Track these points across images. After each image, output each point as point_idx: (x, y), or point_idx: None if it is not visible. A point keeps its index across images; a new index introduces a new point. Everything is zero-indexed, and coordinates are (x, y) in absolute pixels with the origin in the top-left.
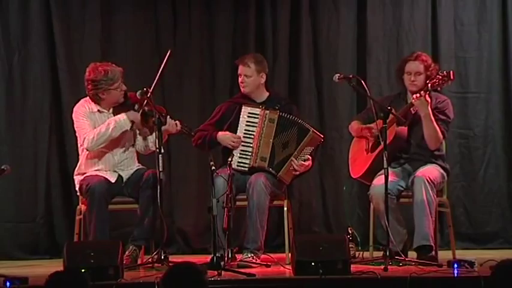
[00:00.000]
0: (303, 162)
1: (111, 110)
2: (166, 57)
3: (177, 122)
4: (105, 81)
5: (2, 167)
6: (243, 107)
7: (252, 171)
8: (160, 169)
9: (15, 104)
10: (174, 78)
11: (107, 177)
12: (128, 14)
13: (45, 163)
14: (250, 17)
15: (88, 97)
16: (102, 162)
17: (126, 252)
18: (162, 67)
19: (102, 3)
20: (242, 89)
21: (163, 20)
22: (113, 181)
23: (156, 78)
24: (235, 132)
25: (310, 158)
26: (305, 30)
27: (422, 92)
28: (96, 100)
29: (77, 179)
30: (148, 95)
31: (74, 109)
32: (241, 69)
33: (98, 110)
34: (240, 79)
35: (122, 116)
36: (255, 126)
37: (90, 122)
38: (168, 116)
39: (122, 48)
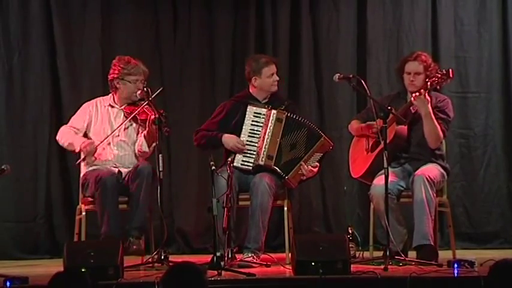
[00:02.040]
0: (311, 168)
1: (123, 107)
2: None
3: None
4: (122, 69)
5: (2, 167)
6: (249, 107)
7: (257, 170)
8: (161, 169)
9: (15, 104)
10: (174, 78)
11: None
12: (128, 14)
13: (45, 163)
14: (250, 16)
15: (103, 97)
16: (103, 157)
17: (129, 245)
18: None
19: (102, 3)
20: (275, 88)
21: (163, 20)
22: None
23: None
24: (241, 131)
25: (318, 164)
26: (305, 30)
27: (421, 90)
28: (113, 90)
29: (83, 171)
30: (150, 98)
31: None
32: (275, 68)
33: (110, 105)
34: (276, 78)
35: (78, 144)
36: (261, 126)
37: (86, 118)
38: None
39: (122, 48)
